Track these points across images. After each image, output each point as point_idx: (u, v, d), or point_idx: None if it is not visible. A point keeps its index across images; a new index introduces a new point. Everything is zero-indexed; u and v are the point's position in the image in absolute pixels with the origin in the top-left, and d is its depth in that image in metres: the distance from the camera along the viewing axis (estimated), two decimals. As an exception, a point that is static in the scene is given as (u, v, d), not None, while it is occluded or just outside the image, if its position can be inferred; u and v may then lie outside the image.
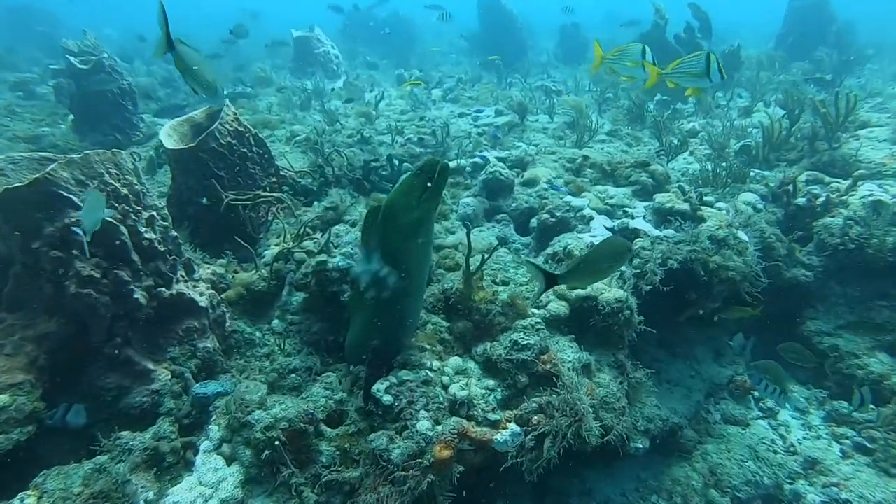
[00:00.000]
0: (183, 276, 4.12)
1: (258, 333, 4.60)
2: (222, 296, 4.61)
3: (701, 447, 4.73)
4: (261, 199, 5.18)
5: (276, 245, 5.07)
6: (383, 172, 6.50)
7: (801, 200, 5.82)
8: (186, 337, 4.03)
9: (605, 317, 3.93)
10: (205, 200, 4.93)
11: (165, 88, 12.37)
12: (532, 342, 3.68)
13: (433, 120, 9.85)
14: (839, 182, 6.09)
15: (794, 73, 11.33)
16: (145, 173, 7.06)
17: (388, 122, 9.49)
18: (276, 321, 4.64)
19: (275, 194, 5.30)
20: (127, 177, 3.84)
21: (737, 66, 10.44)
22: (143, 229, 3.79)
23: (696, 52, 3.80)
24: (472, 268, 4.04)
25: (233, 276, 4.80)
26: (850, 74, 11.05)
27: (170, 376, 3.82)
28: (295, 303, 4.69)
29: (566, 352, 3.80)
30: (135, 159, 3.97)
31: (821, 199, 5.76)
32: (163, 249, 3.91)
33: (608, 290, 3.98)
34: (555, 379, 3.57)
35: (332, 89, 12.28)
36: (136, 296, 3.66)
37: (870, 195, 5.47)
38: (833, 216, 5.53)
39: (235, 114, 5.40)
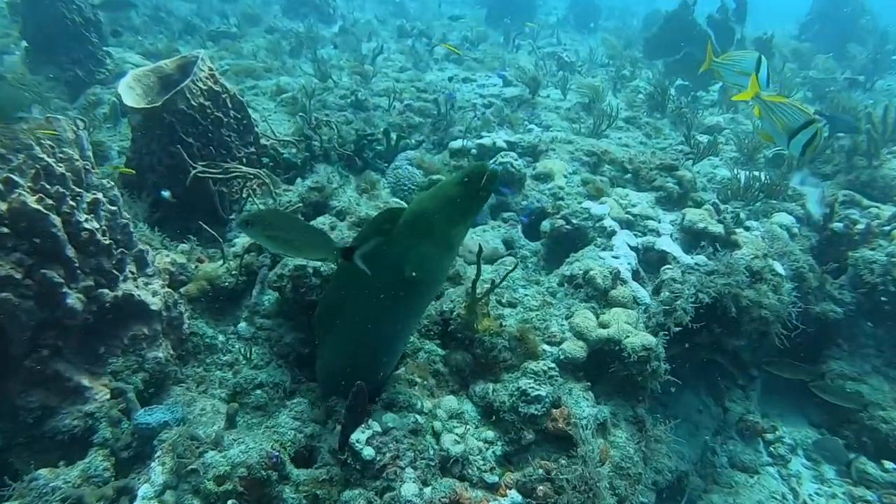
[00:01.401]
0: (132, 273, 3.44)
1: (221, 337, 3.96)
2: (182, 290, 3.94)
3: (706, 496, 4.32)
4: (235, 175, 4.44)
5: (250, 232, 4.37)
6: (378, 148, 5.76)
7: (837, 226, 5.27)
8: (133, 346, 3.38)
9: (629, 366, 3.37)
10: (167, 194, 4.20)
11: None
12: (543, 394, 3.12)
13: (435, 84, 9.00)
14: (878, 207, 5.55)
15: (831, 70, 10.60)
16: (107, 122, 6.22)
17: (387, 82, 8.61)
18: (242, 324, 4.00)
19: (251, 170, 4.55)
20: (66, 150, 3.09)
21: (768, 58, 9.71)
22: (82, 218, 3.08)
23: (806, 110, 3.15)
24: (479, 290, 3.44)
25: (196, 267, 4.12)
26: (882, 75, 10.41)
27: (109, 395, 3.19)
28: (267, 303, 4.05)
29: (581, 405, 3.26)
30: (78, 127, 3.21)
31: (860, 227, 5.22)
32: (107, 242, 3.20)
33: (635, 334, 3.41)
34: (569, 444, 3.04)
35: (334, 44, 11.12)
36: (69, 301, 2.98)
37: (918, 230, 4.95)
38: (873, 248, 5.00)
39: (211, 69, 4.59)
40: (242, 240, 4.28)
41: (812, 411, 5.10)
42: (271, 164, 5.09)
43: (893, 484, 4.29)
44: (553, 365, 3.27)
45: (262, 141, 5.08)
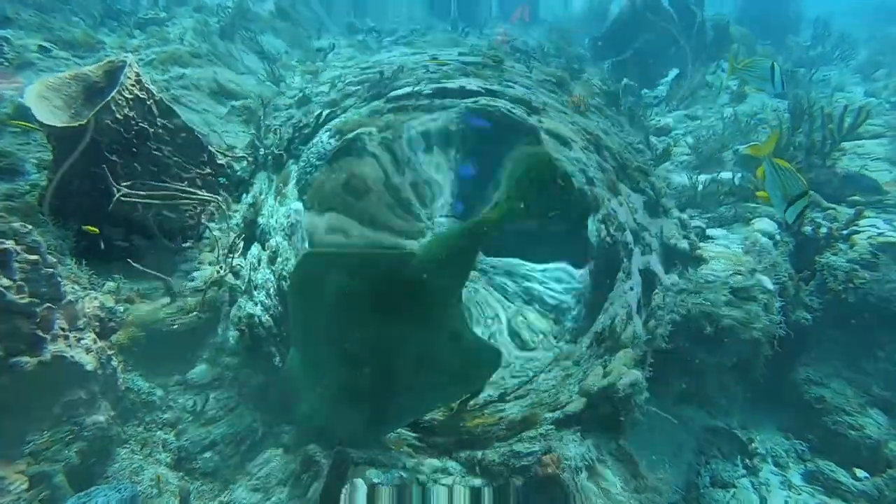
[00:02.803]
0: (63, 330, 2.94)
1: (159, 391, 3.50)
2: (112, 339, 3.44)
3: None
4: (181, 199, 3.94)
5: (211, 263, 3.89)
6: (306, 132, 5.11)
7: (806, 229, 5.28)
8: (67, 413, 2.91)
9: (615, 403, 3.21)
10: (88, 228, 3.66)
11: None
12: (537, 449, 2.92)
13: (382, 62, 8.43)
14: (835, 208, 5.60)
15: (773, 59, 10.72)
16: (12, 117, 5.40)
17: (335, 72, 8.00)
18: (201, 367, 3.56)
19: (205, 195, 4.06)
20: (-37, 194, 2.55)
21: (726, 44, 9.70)
22: (-10, 276, 2.56)
23: (800, 178, 3.05)
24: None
25: (125, 309, 3.58)
26: (820, 66, 10.61)
27: (26, 485, 2.70)
28: (233, 340, 3.61)
29: (568, 446, 3.07)
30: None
31: (823, 230, 5.25)
32: (24, 301, 2.70)
33: (626, 373, 3.24)
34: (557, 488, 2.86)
35: (274, 30, 10.23)
36: (-24, 378, 2.49)
37: (879, 234, 5.00)
38: (835, 253, 5.04)
39: (139, 75, 4.02)
40: (204, 273, 3.79)
41: (783, 416, 5.09)
42: (226, 182, 4.57)
43: (865, 493, 4.34)
44: (552, 426, 3.08)
45: (219, 160, 4.55)
